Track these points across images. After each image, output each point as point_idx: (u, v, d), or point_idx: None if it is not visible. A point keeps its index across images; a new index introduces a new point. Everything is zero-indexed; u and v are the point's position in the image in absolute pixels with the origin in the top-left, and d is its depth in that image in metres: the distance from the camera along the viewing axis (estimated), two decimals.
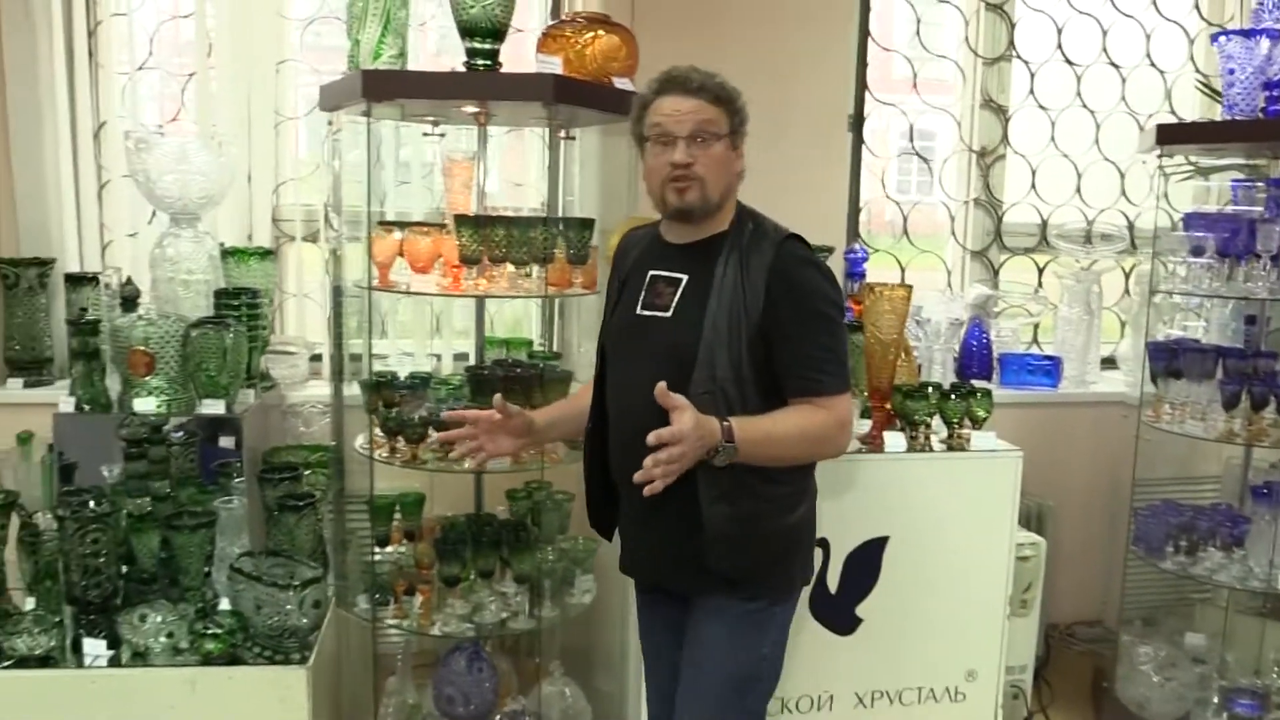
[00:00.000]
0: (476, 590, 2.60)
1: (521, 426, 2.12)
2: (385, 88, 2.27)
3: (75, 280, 3.27)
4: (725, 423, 1.80)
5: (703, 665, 2.01)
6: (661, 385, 1.74)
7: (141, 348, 2.77)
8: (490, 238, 2.39)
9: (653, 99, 1.96)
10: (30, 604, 2.59)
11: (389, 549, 2.75)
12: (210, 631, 2.45)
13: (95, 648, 2.47)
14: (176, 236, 2.98)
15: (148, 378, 2.78)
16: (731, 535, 1.93)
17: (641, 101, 1.99)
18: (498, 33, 2.49)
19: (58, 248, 3.35)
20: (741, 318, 1.89)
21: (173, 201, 2.94)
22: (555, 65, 2.27)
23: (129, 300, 3.06)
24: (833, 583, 2.66)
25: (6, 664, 2.43)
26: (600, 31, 2.50)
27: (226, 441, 2.96)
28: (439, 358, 3.42)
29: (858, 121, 3.66)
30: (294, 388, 3.28)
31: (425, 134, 2.78)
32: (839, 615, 2.67)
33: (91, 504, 2.53)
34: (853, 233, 3.69)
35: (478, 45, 2.47)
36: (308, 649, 2.48)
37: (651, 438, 1.72)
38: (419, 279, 2.38)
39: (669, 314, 1.97)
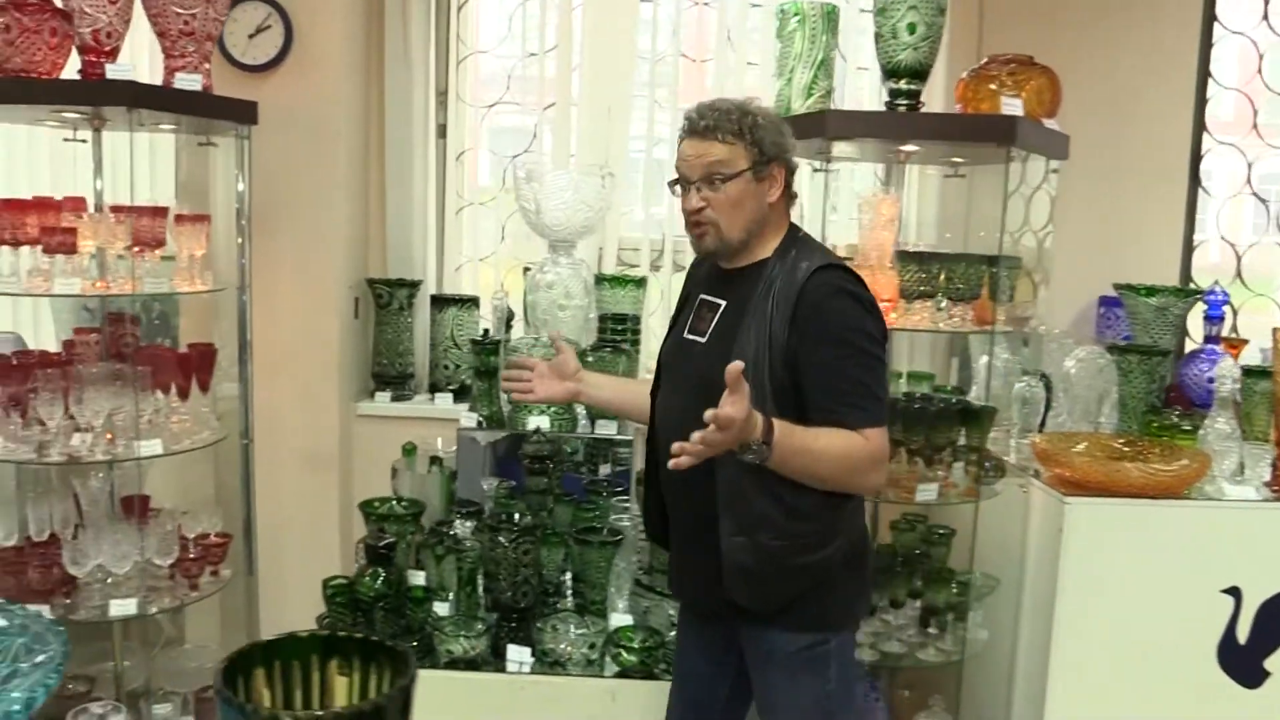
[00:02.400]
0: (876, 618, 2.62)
1: (571, 370, 2.19)
2: (849, 127, 2.35)
3: (440, 301, 3.46)
4: (768, 422, 1.74)
5: (776, 713, 2.00)
6: (735, 365, 1.67)
7: None
8: (926, 273, 2.43)
9: (680, 141, 1.95)
10: (442, 609, 2.72)
11: None
12: (628, 644, 2.54)
13: (520, 654, 2.57)
14: (555, 263, 3.11)
15: None
16: (749, 568, 1.90)
17: (678, 141, 1.97)
18: (922, 74, 2.55)
19: (419, 270, 3.53)
20: (767, 346, 1.85)
21: (557, 229, 3.08)
22: (1017, 107, 2.30)
23: (508, 322, 3.22)
24: (1242, 633, 2.59)
25: (440, 665, 2.55)
26: (1031, 73, 2.53)
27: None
28: None
29: (1194, 161, 3.60)
30: None
31: (816, 170, 2.84)
32: (1246, 667, 2.60)
33: (516, 517, 2.65)
34: (1185, 274, 3.63)
35: (903, 86, 2.53)
36: None
37: (708, 415, 1.65)
38: None
39: (704, 340, 1.98)
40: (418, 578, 2.71)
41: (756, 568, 1.90)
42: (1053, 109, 2.56)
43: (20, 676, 1.04)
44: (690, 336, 2.02)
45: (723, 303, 1.98)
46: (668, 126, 3.47)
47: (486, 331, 3.02)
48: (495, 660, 2.59)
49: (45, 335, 3.39)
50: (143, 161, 3.36)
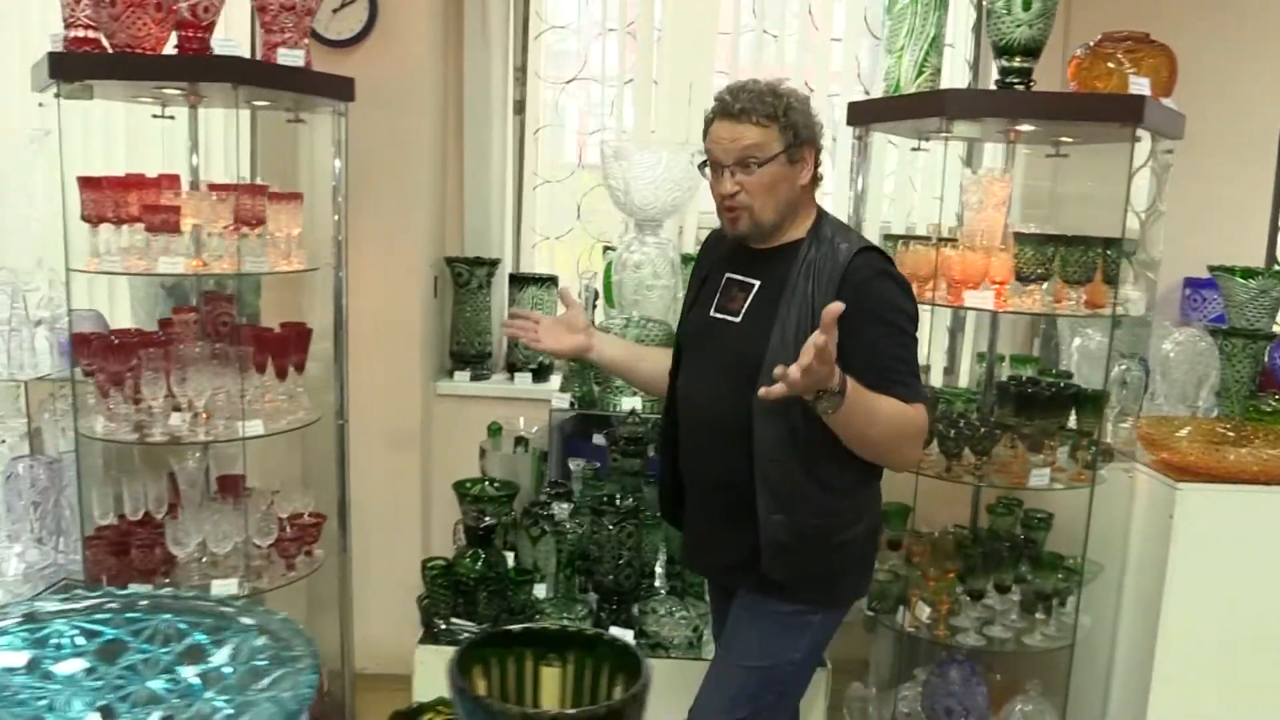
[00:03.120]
0: (980, 603, 2.61)
1: (580, 325, 2.17)
2: (970, 107, 2.31)
3: (518, 280, 3.43)
4: (843, 376, 1.72)
5: (731, 652, 2.03)
6: (835, 305, 1.66)
7: None
8: (1041, 255, 2.39)
9: (710, 121, 1.93)
10: (538, 591, 2.71)
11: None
12: None
13: (623, 635, 2.56)
14: (642, 242, 3.08)
15: None
16: (788, 545, 1.91)
17: (706, 122, 1.96)
18: (1036, 51, 2.50)
19: (495, 248, 3.50)
20: (808, 328, 1.82)
21: (646, 208, 3.04)
22: (1145, 86, 2.26)
23: (590, 303, 3.19)
24: None
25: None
26: (1148, 51, 2.48)
27: None
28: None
29: None
30: None
31: (915, 149, 2.81)
32: None
33: (617, 500, 2.63)
34: (1270, 256, 3.58)
35: (1016, 64, 2.48)
36: None
37: (815, 340, 1.64)
38: (973, 295, 2.39)
39: (738, 320, 1.96)
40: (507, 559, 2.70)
41: (795, 545, 1.92)
42: (1169, 87, 2.52)
43: (266, 679, 0.99)
44: (720, 316, 2.00)
45: (756, 283, 1.96)
46: None
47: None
48: None
49: (120, 314, 3.38)
50: (215, 138, 3.35)
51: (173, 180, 2.65)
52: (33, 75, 2.62)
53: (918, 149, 2.83)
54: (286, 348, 2.65)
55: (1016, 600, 2.63)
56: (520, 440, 3.12)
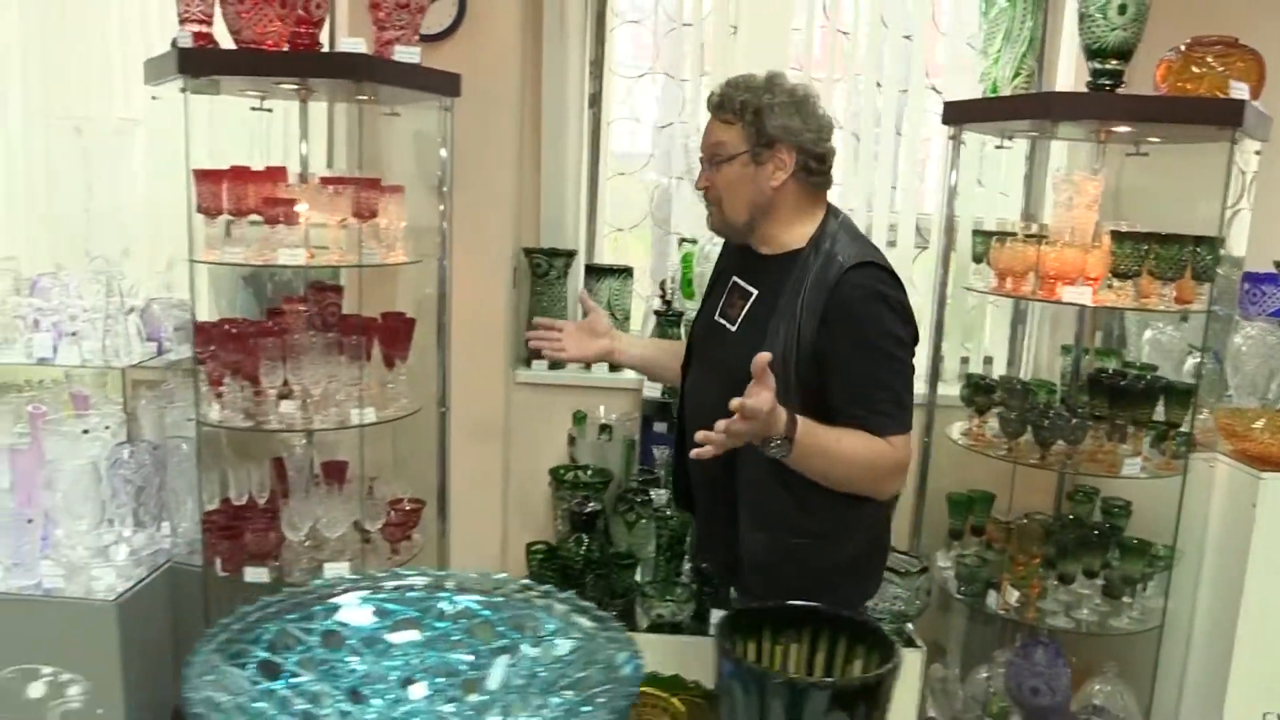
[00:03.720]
0: (1064, 587, 2.71)
1: (602, 329, 2.18)
2: (1073, 109, 2.39)
3: (595, 271, 3.49)
4: (791, 418, 1.70)
5: None
6: (762, 356, 1.63)
7: None
8: (1136, 253, 2.48)
9: None
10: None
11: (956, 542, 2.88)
12: None
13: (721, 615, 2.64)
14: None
15: None
16: (769, 564, 1.89)
17: None
18: (1127, 54, 2.58)
19: (570, 239, 3.56)
20: (795, 346, 1.81)
21: None
22: (1244, 90, 2.34)
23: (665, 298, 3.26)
24: None
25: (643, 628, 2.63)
26: (1237, 55, 2.57)
27: None
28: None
29: None
30: None
31: (998, 147, 2.89)
32: None
33: None
34: None
35: (1108, 66, 2.57)
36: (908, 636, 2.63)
37: (734, 404, 1.61)
38: (1071, 290, 2.47)
39: (734, 328, 1.95)
40: None
41: (775, 563, 1.90)
42: (1257, 91, 2.60)
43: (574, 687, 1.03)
44: (720, 320, 1.99)
45: (754, 291, 1.94)
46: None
47: (669, 304, 3.06)
48: (696, 624, 2.67)
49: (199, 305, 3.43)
50: (293, 131, 3.40)
51: (280, 173, 2.70)
52: (146, 69, 2.66)
53: (1001, 147, 2.91)
54: (396, 337, 2.71)
55: (1100, 585, 2.73)
56: (604, 428, 3.19)
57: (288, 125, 3.35)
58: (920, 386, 3.15)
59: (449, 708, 1.08)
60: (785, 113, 1.86)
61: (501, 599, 1.15)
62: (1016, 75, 2.60)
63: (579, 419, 3.20)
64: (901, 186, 3.48)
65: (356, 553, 2.73)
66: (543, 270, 3.44)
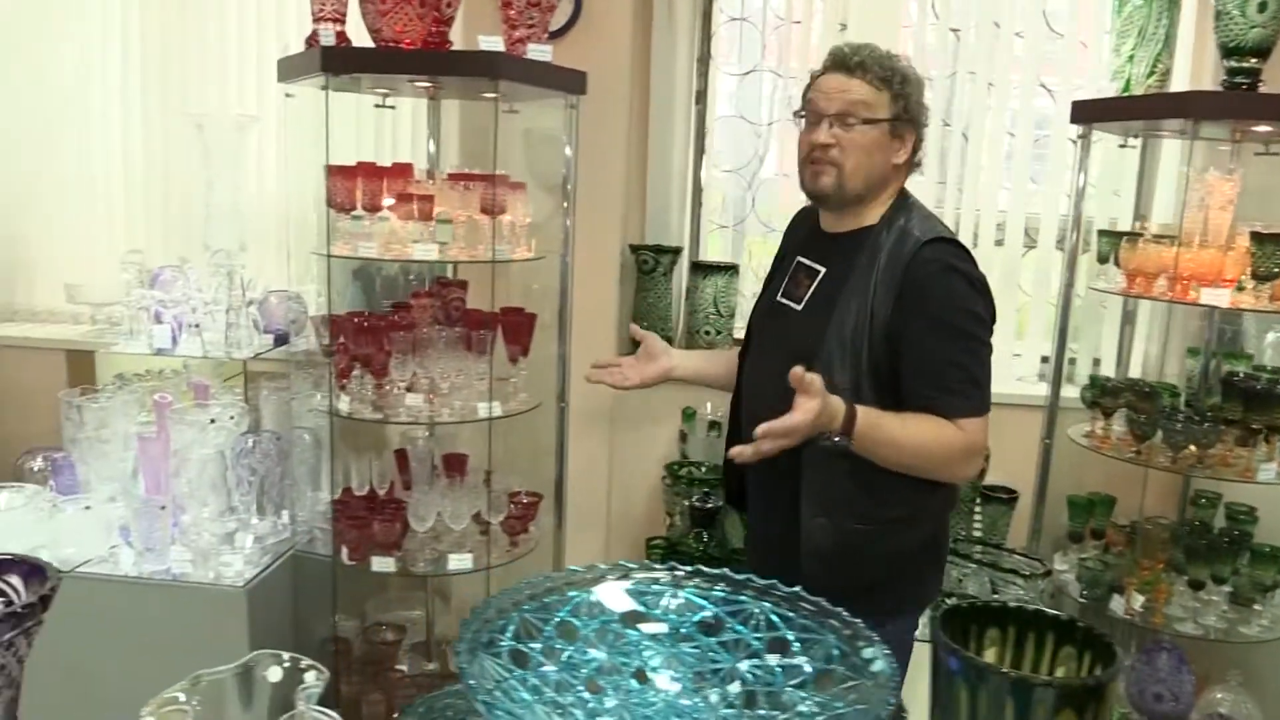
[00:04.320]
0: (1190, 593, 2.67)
1: (659, 350, 2.16)
2: (1214, 108, 2.36)
3: (701, 268, 3.50)
4: (850, 410, 1.67)
5: None
6: (797, 370, 1.62)
7: None
8: (1278, 255, 2.44)
9: (817, 76, 1.86)
10: None
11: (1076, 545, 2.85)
12: None
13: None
14: None
15: None
16: (829, 554, 1.82)
17: (810, 79, 1.88)
18: (1266, 52, 2.54)
19: (674, 235, 3.58)
20: (868, 323, 1.75)
21: None
22: None
23: None
24: None
25: None
26: None
27: None
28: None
29: None
30: None
31: (1122, 145, 2.85)
32: None
33: None
34: None
35: (1245, 65, 2.52)
36: None
37: (760, 430, 1.62)
38: (1210, 292, 2.44)
39: (800, 308, 1.89)
40: None
41: (836, 551, 1.83)
42: None
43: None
44: (784, 301, 1.93)
45: (822, 269, 1.88)
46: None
47: None
48: None
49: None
50: (402, 126, 3.44)
51: (407, 169, 2.74)
52: (280, 67, 2.72)
53: (1124, 146, 2.87)
54: (519, 332, 2.74)
55: (1228, 591, 2.69)
56: (714, 424, 3.20)
57: (395, 122, 3.41)
58: (1040, 388, 3.16)
59: (698, 700, 1.09)
60: (918, 92, 1.86)
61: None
62: (1151, 74, 2.57)
63: (689, 415, 3.21)
64: (1010, 185, 3.45)
65: (477, 544, 2.76)
66: (649, 267, 3.45)
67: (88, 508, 2.81)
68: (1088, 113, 2.70)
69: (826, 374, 1.71)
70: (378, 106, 2.93)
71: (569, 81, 2.70)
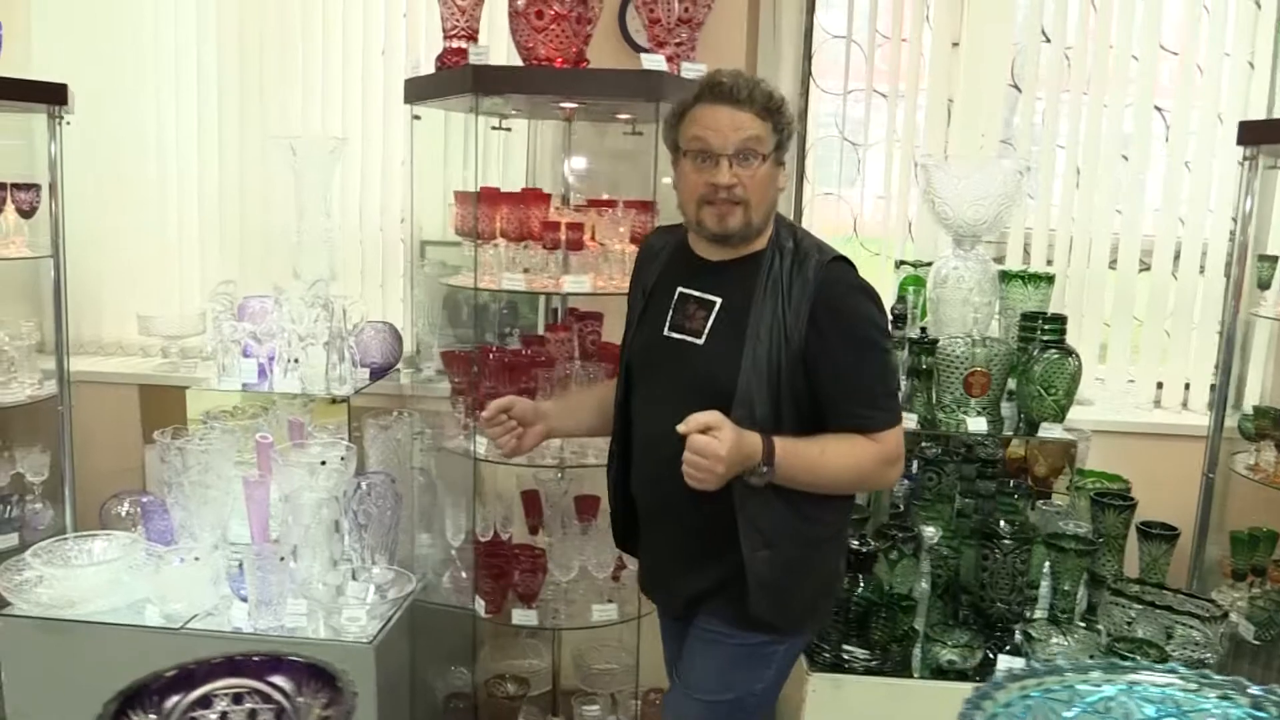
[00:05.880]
0: None
1: (532, 413, 2.01)
2: None
3: None
4: (769, 443, 1.70)
5: (693, 687, 1.93)
6: (683, 427, 1.64)
7: (981, 368, 2.82)
8: None
9: (693, 105, 1.76)
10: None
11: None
12: (1128, 655, 2.48)
13: (1011, 664, 2.51)
14: (961, 258, 3.03)
15: (978, 398, 2.84)
16: (776, 583, 1.83)
17: (680, 107, 1.80)
18: None
19: None
20: (782, 351, 1.74)
21: (967, 224, 2.99)
22: None
23: (899, 319, 3.13)
24: None
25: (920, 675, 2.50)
26: None
27: None
28: None
29: None
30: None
31: (1271, 167, 2.76)
32: None
33: (1002, 524, 2.59)
34: None
35: None
36: None
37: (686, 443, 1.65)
38: None
39: (701, 341, 1.82)
40: None
41: (781, 580, 1.84)
42: None
43: None
44: (676, 336, 1.85)
45: (717, 300, 1.82)
46: (1039, 117, 3.38)
47: (924, 330, 2.93)
48: (979, 670, 2.54)
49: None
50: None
51: (544, 196, 2.59)
52: (407, 88, 2.56)
53: (1274, 168, 2.78)
54: None
55: None
56: None
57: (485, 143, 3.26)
58: (1156, 415, 3.07)
59: None
60: (789, 114, 1.81)
61: None
62: None
63: None
64: (1125, 207, 3.36)
65: (614, 593, 2.60)
66: None
67: (196, 558, 2.62)
68: (1256, 134, 2.61)
69: (747, 406, 1.73)
70: (494, 129, 2.78)
71: None
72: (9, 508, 2.92)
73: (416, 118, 2.54)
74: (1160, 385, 3.42)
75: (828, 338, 1.74)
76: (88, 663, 2.51)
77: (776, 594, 1.83)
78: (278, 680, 1.19)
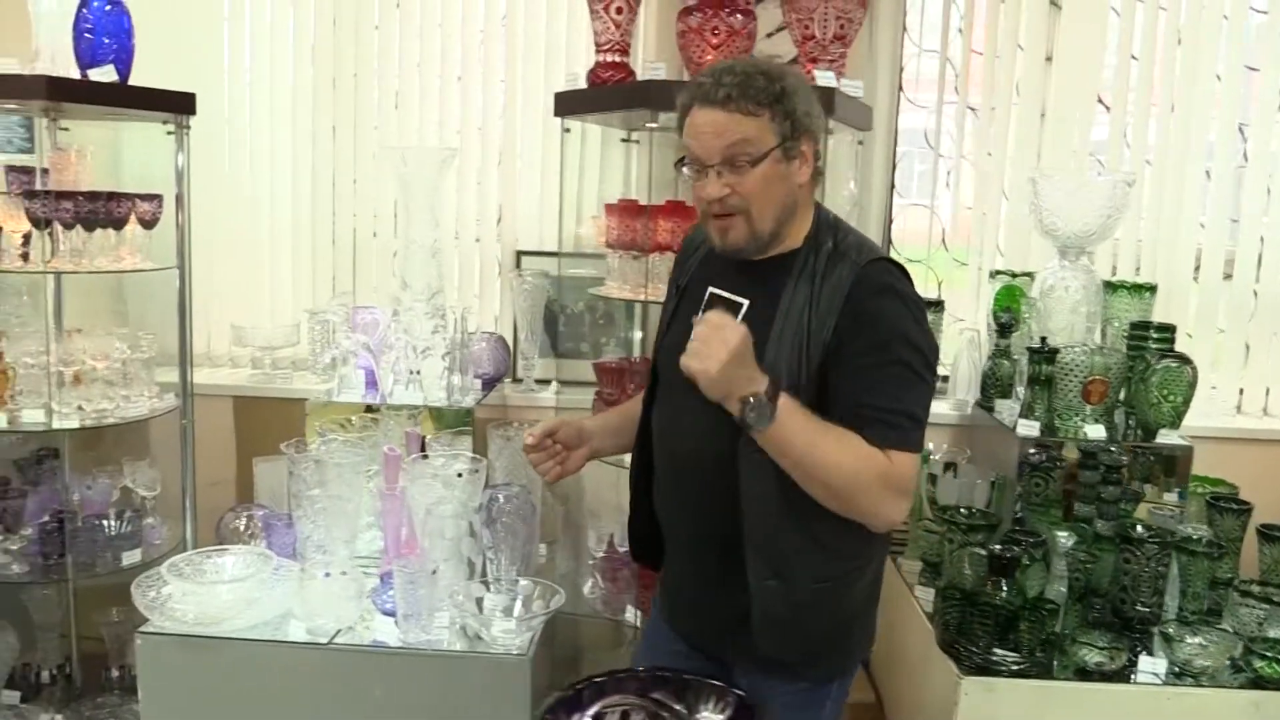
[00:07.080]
0: None
1: (576, 434, 1.94)
2: None
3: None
4: (777, 384, 1.52)
5: None
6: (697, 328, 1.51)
7: (1101, 376, 2.89)
8: None
9: (686, 110, 1.62)
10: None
11: None
12: (1267, 655, 2.55)
13: (1154, 665, 2.58)
14: (1066, 268, 3.10)
15: (1095, 405, 2.91)
16: (785, 619, 1.68)
17: (681, 110, 1.65)
18: None
19: None
20: (803, 356, 1.60)
21: (1075, 235, 3.06)
22: None
23: (1006, 328, 3.20)
24: None
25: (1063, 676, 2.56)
26: None
27: None
28: None
29: None
30: None
31: None
32: None
33: (1139, 528, 2.66)
34: None
35: None
36: None
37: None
38: None
39: None
40: None
41: (793, 616, 1.69)
42: None
43: None
44: None
45: (744, 302, 1.68)
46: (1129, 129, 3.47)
47: (1044, 340, 2.99)
48: (1120, 671, 2.59)
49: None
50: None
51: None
52: (556, 101, 2.57)
53: None
54: None
55: None
56: (950, 465, 3.12)
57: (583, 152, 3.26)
58: (1238, 421, 3.16)
59: None
60: (805, 97, 1.62)
61: None
62: None
63: (924, 457, 3.12)
64: (1209, 221, 3.47)
65: None
66: None
67: (344, 572, 2.58)
68: None
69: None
70: (624, 141, 2.80)
71: (862, 116, 2.61)
72: (124, 523, 2.86)
73: (567, 130, 2.54)
74: (1241, 391, 3.54)
75: (847, 341, 1.57)
76: (232, 680, 2.47)
77: (786, 633, 1.69)
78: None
